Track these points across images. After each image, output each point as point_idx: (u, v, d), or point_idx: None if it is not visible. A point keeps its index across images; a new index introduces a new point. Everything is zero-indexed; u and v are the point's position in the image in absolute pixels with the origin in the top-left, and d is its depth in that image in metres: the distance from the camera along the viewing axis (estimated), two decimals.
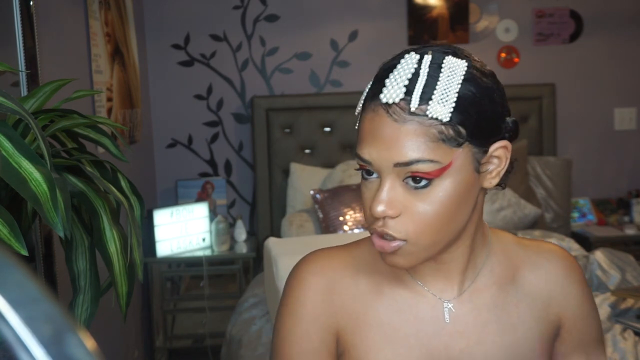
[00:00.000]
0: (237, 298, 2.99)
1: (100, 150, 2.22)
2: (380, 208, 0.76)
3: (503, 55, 3.67)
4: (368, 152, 0.77)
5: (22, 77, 1.65)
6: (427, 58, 0.75)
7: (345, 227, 3.01)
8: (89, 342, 0.33)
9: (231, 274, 3.33)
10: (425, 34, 3.62)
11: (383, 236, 0.78)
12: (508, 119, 0.80)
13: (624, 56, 3.73)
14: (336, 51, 3.63)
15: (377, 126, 0.75)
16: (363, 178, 0.80)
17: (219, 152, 3.67)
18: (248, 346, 2.36)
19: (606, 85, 3.73)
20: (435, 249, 0.80)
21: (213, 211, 3.46)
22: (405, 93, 0.74)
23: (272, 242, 2.37)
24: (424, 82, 0.74)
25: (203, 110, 3.63)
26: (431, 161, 0.74)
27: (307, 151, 3.54)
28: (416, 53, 0.77)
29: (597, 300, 2.24)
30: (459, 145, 0.75)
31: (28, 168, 0.95)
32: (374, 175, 0.78)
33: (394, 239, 0.77)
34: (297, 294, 0.88)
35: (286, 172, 3.51)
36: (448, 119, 0.73)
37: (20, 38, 1.65)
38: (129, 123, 2.94)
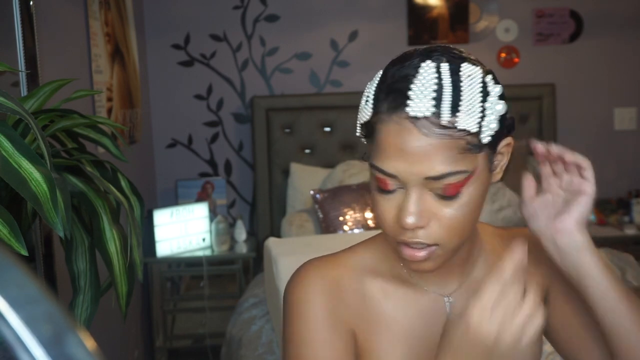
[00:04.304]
0: (237, 298, 2.99)
1: (100, 150, 2.22)
2: (411, 220, 0.75)
3: (503, 55, 3.67)
4: (394, 166, 0.75)
5: (22, 77, 1.65)
6: (445, 66, 0.74)
7: (345, 227, 3.01)
8: (89, 342, 0.33)
9: (231, 274, 3.33)
10: (425, 34, 3.62)
11: (411, 245, 0.79)
12: (507, 116, 0.82)
13: (624, 56, 3.73)
14: (336, 51, 3.63)
15: (405, 140, 0.74)
16: (380, 192, 0.79)
17: (219, 152, 3.67)
18: (248, 346, 2.36)
19: (606, 85, 3.73)
20: (458, 250, 0.82)
21: (213, 211, 3.46)
22: (433, 105, 0.73)
23: (272, 242, 2.37)
24: (450, 93, 0.73)
25: (203, 110, 3.64)
26: (460, 172, 0.74)
27: (307, 151, 3.54)
28: (431, 60, 0.75)
29: None
30: (481, 150, 0.76)
31: (28, 168, 0.95)
32: (396, 192, 0.78)
33: (425, 246, 0.78)
34: (304, 300, 0.86)
35: (286, 172, 3.51)
36: (476, 129, 0.74)
37: (20, 38, 1.65)
38: (129, 123, 2.94)
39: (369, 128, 0.79)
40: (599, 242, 3.31)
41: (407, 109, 0.73)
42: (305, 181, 3.36)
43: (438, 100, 0.72)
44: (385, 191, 0.78)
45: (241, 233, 3.35)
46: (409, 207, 0.75)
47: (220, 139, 3.66)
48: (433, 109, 0.72)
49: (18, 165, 0.95)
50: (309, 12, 3.61)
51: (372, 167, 0.78)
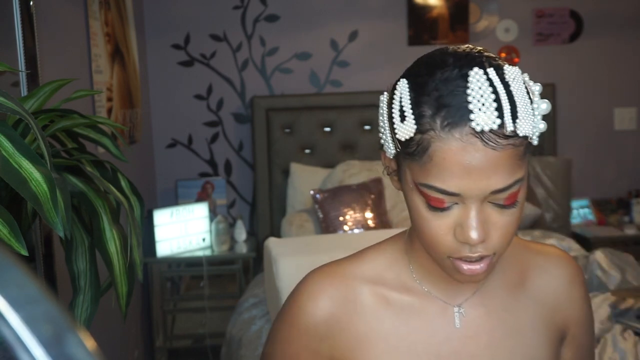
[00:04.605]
0: (237, 298, 2.99)
1: (100, 150, 2.22)
2: (476, 235, 0.72)
3: (503, 55, 3.67)
4: (457, 185, 0.71)
5: (22, 77, 1.65)
6: (492, 72, 0.71)
7: (345, 227, 3.01)
8: (89, 342, 0.33)
9: (231, 274, 3.33)
10: (425, 34, 3.62)
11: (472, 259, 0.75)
12: None
13: (624, 56, 3.73)
14: (336, 51, 3.63)
15: (471, 156, 0.70)
16: (433, 211, 0.74)
17: (219, 152, 3.67)
18: (248, 346, 2.36)
19: (606, 85, 3.73)
20: None
21: (213, 211, 3.46)
22: (497, 116, 0.69)
23: (272, 242, 2.37)
24: (507, 101, 0.70)
25: (203, 110, 3.64)
26: (521, 179, 0.73)
27: (307, 151, 3.54)
28: (477, 67, 0.71)
29: (597, 300, 2.24)
30: (529, 153, 0.75)
31: (28, 168, 0.95)
32: (451, 208, 0.74)
33: (482, 258, 0.75)
34: (294, 316, 0.87)
35: (286, 172, 3.51)
36: (532, 133, 0.71)
37: (20, 38, 1.65)
38: (129, 123, 2.94)
39: (416, 147, 0.73)
40: (599, 242, 3.31)
41: (472, 123, 0.69)
42: (305, 181, 3.36)
43: (500, 110, 0.69)
44: (439, 209, 0.74)
45: (241, 233, 3.36)
46: (472, 223, 0.72)
47: (220, 139, 3.66)
48: (498, 120, 0.69)
49: (18, 165, 0.95)
50: (309, 12, 3.61)
51: (427, 187, 0.73)
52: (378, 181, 3.16)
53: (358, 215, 3.04)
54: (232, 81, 3.62)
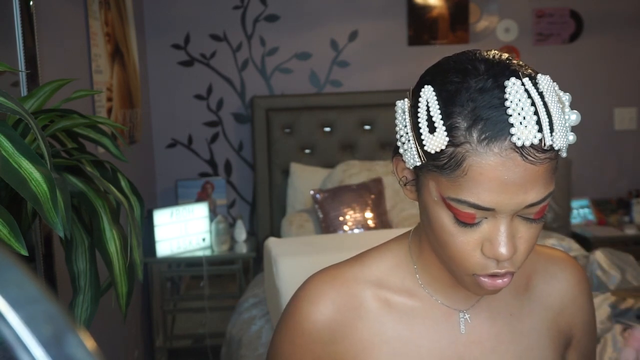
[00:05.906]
0: (237, 298, 2.99)
1: (100, 150, 2.22)
2: (507, 251, 0.70)
3: None
4: (492, 200, 0.68)
5: (22, 77, 1.65)
6: (528, 82, 0.69)
7: (345, 227, 3.02)
8: (89, 342, 0.33)
9: (231, 274, 3.33)
10: (425, 34, 3.62)
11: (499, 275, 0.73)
12: None
13: (624, 56, 3.73)
14: (336, 51, 3.63)
15: (510, 172, 0.67)
16: (461, 226, 0.72)
17: (219, 152, 3.67)
18: (248, 346, 2.36)
19: (606, 85, 3.73)
20: None
21: (213, 211, 3.46)
22: (538, 130, 0.67)
23: (272, 242, 2.37)
24: (545, 113, 0.68)
25: (203, 110, 3.64)
26: (552, 192, 0.71)
27: (307, 151, 3.54)
28: (514, 77, 0.69)
29: (597, 300, 2.24)
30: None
31: (28, 168, 0.95)
32: (480, 223, 0.71)
33: (506, 272, 0.73)
34: (296, 322, 0.86)
35: (286, 172, 3.51)
36: (564, 145, 0.70)
37: (20, 38, 1.65)
38: (129, 123, 2.94)
39: (447, 160, 0.70)
40: (599, 242, 3.31)
41: (513, 138, 0.66)
42: (305, 181, 3.36)
43: (539, 123, 0.67)
44: (468, 224, 0.71)
45: (241, 233, 3.36)
46: (502, 238, 0.70)
47: (220, 139, 3.66)
48: (539, 135, 0.67)
49: (18, 165, 0.95)
50: (309, 12, 3.61)
51: (458, 202, 0.70)
52: (378, 181, 3.16)
53: (358, 215, 3.04)
54: (232, 81, 3.62)
